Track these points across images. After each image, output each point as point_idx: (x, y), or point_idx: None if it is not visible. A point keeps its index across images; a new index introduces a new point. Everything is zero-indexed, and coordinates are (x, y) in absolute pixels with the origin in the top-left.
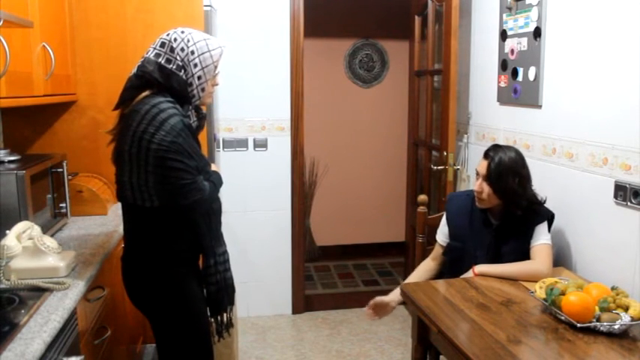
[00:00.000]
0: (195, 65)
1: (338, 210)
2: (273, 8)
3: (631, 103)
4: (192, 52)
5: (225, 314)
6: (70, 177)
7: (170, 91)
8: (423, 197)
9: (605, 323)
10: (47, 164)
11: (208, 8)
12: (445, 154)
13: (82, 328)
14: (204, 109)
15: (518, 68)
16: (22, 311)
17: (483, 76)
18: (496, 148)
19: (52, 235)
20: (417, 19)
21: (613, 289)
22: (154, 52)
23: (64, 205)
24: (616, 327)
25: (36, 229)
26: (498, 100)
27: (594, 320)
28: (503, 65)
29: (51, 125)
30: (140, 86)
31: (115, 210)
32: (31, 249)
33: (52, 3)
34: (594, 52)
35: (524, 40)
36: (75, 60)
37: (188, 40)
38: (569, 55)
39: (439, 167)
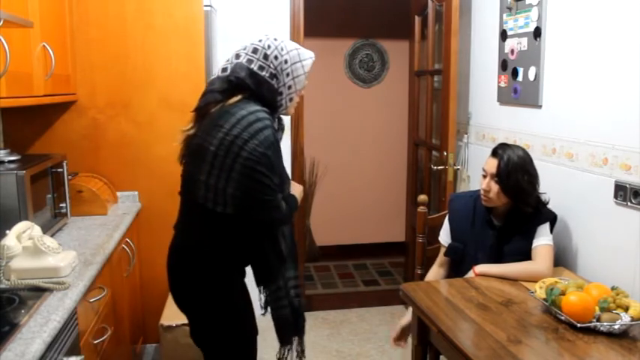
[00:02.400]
0: (288, 75)
1: (338, 210)
2: (272, 8)
3: (631, 103)
4: (286, 61)
5: (294, 343)
6: (70, 177)
7: (260, 99)
8: (423, 197)
9: (605, 323)
10: (47, 164)
11: (208, 8)
12: (445, 154)
13: (82, 328)
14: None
15: (518, 68)
16: (22, 311)
17: (483, 76)
18: (504, 146)
19: (52, 235)
20: (417, 19)
21: (613, 289)
22: (246, 58)
23: (64, 205)
24: (616, 327)
25: (36, 229)
26: (498, 100)
27: (594, 320)
28: (503, 65)
29: (51, 125)
30: (227, 90)
31: (115, 210)
32: (31, 249)
33: (52, 3)
34: (594, 52)
35: (524, 40)
36: (75, 60)
37: (282, 49)
38: (569, 55)
39: (439, 167)
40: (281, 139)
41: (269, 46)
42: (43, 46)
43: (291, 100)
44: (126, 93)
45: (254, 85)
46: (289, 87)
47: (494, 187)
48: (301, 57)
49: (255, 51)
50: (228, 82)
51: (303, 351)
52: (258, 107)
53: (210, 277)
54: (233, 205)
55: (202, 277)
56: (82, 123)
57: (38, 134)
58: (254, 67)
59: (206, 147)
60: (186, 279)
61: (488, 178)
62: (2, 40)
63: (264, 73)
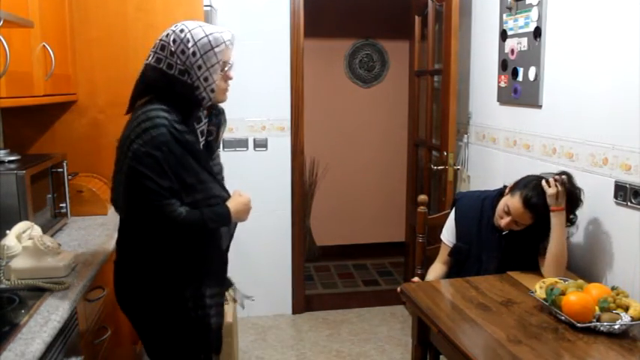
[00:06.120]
0: (200, 67)
1: (338, 210)
2: (273, 8)
3: (631, 103)
4: (194, 54)
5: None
6: (70, 177)
7: (175, 97)
8: (423, 197)
9: (605, 323)
10: (47, 164)
11: (208, 8)
12: (445, 154)
13: (82, 328)
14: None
15: (518, 68)
16: (22, 311)
17: (483, 76)
18: (536, 196)
19: (52, 235)
20: (417, 19)
21: (613, 289)
22: (154, 57)
23: (64, 205)
24: (616, 327)
25: (36, 229)
26: (498, 100)
27: (594, 320)
28: (503, 65)
29: (51, 125)
30: (143, 92)
31: None
32: (31, 249)
33: (52, 3)
34: (594, 52)
35: (524, 40)
36: (75, 60)
37: (188, 41)
38: (569, 55)
39: (439, 167)
40: (223, 130)
41: (174, 41)
42: (43, 46)
43: (212, 90)
44: (126, 93)
45: (164, 85)
46: (205, 79)
47: (517, 228)
48: (213, 44)
49: (162, 48)
50: (138, 85)
51: None
52: (154, 107)
53: (143, 283)
54: (125, 207)
55: (136, 284)
56: (82, 123)
57: (38, 134)
58: (163, 66)
59: (117, 155)
60: (123, 286)
61: (510, 219)
62: (2, 40)
63: (173, 72)
